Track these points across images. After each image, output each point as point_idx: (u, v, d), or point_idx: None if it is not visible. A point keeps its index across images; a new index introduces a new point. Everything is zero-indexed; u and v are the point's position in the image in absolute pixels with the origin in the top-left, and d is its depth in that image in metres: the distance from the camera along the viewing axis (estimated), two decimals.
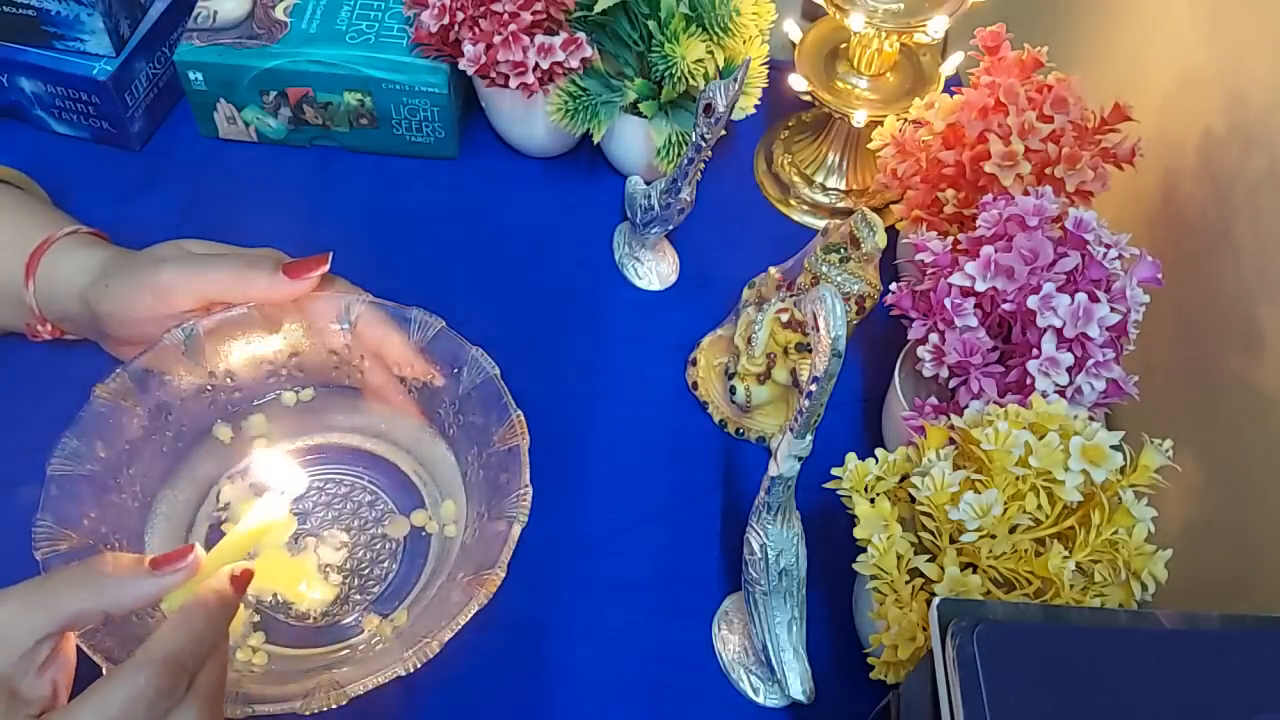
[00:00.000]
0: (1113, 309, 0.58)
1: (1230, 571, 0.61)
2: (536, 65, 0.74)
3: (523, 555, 0.56)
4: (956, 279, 0.61)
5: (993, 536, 0.54)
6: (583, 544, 0.69)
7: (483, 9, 0.74)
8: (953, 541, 0.55)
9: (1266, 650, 0.43)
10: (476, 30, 0.74)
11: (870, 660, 0.58)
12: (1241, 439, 0.62)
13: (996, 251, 0.60)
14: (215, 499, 0.65)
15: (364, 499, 0.66)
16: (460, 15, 0.74)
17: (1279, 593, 0.57)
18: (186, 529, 0.64)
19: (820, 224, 0.83)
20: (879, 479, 0.58)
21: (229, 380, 0.65)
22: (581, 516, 0.70)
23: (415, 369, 0.65)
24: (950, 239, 0.64)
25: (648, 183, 0.76)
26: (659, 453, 0.73)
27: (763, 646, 0.60)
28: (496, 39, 0.73)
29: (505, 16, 0.73)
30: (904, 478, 0.58)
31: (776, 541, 0.58)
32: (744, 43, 0.77)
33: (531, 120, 0.81)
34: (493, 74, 0.75)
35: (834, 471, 0.59)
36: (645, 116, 0.78)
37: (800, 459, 0.55)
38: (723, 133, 0.69)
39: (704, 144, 0.68)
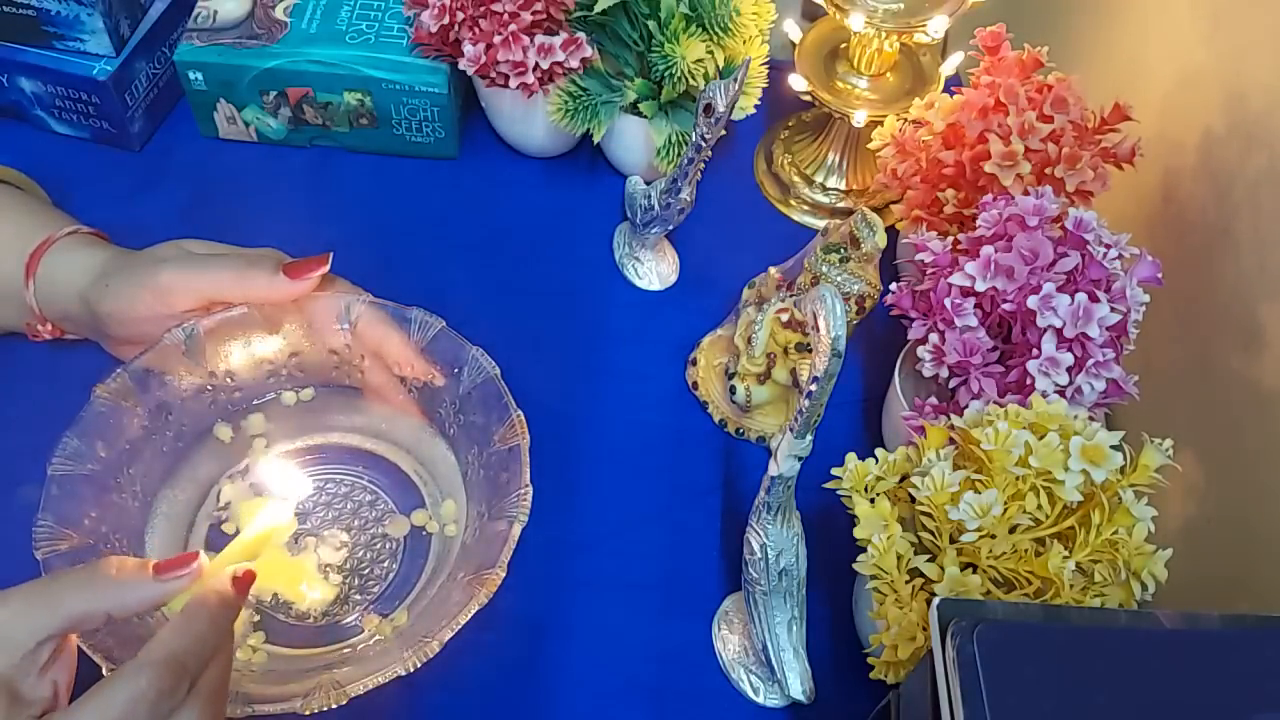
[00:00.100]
0: (1113, 309, 0.58)
1: (1231, 571, 0.61)
2: (536, 65, 0.74)
3: (523, 555, 0.56)
4: (956, 279, 0.61)
5: (993, 536, 0.54)
6: (583, 544, 0.69)
7: (483, 9, 0.74)
8: (953, 541, 0.55)
9: (1266, 650, 0.43)
10: (476, 30, 0.74)
11: (870, 660, 0.58)
12: (1242, 438, 0.62)
13: (996, 251, 0.60)
14: (215, 499, 0.65)
15: (364, 499, 0.66)
16: (460, 15, 0.74)
17: (1279, 592, 0.57)
18: (187, 529, 0.64)
19: (820, 224, 0.83)
20: (879, 479, 0.58)
21: (229, 380, 0.65)
22: (581, 516, 0.70)
23: (415, 369, 0.65)
24: (950, 239, 0.64)
25: (648, 183, 0.76)
26: (659, 453, 0.73)
27: (763, 646, 0.60)
28: (496, 39, 0.74)
29: (505, 16, 0.73)
30: (904, 478, 0.58)
31: (776, 541, 0.58)
32: (744, 43, 0.77)
33: (531, 120, 0.81)
34: (493, 74, 0.75)
35: (834, 471, 0.59)
36: (645, 116, 0.78)
37: (800, 459, 0.55)
38: (723, 133, 0.69)
39: (704, 144, 0.68)
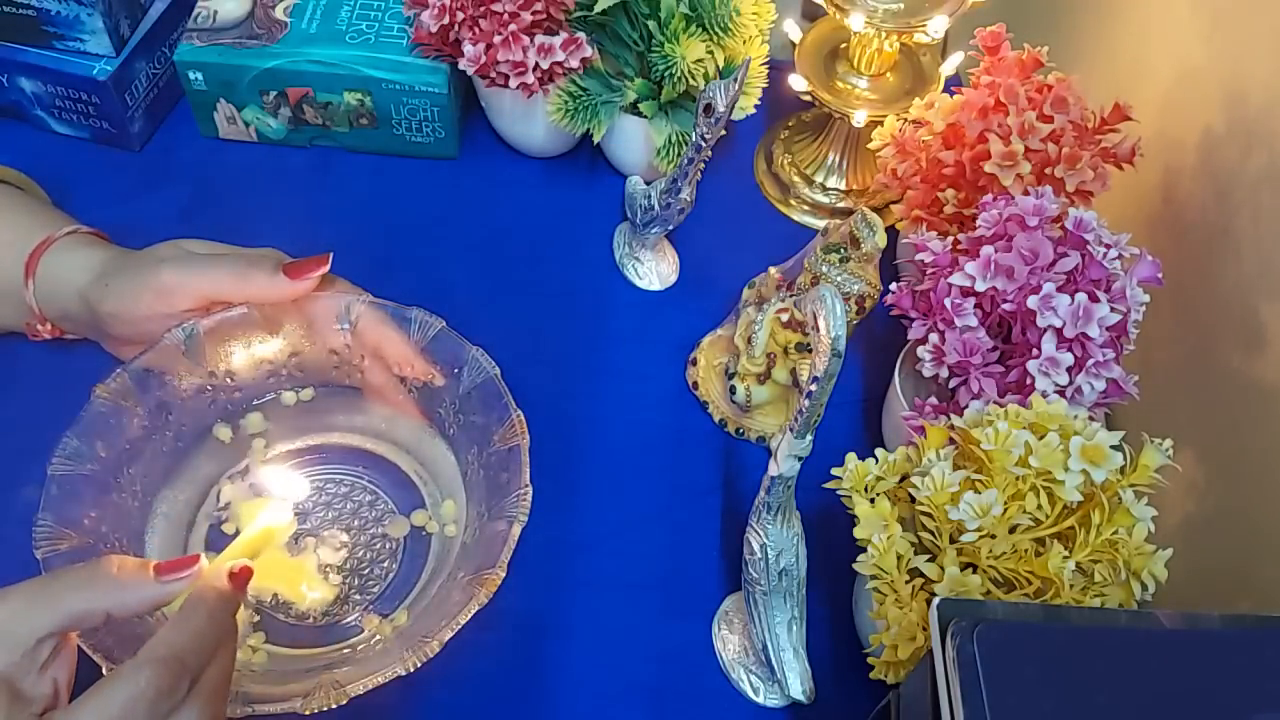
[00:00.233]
0: (1113, 309, 0.58)
1: (1231, 570, 0.61)
2: (536, 65, 0.74)
3: (523, 555, 0.56)
4: (956, 279, 0.61)
5: (993, 536, 0.54)
6: (583, 544, 0.69)
7: (483, 9, 0.74)
8: (953, 541, 0.55)
9: (1266, 650, 0.43)
10: (476, 30, 0.74)
11: (870, 660, 0.58)
12: (1242, 438, 0.62)
13: (996, 251, 0.60)
14: (215, 499, 0.65)
15: (364, 499, 0.66)
16: (460, 15, 0.74)
17: (1279, 592, 0.57)
18: (187, 529, 0.64)
19: (820, 224, 0.83)
20: (879, 479, 0.58)
21: (229, 380, 0.65)
22: (581, 516, 0.70)
23: (415, 369, 0.65)
24: (950, 239, 0.64)
25: (648, 183, 0.76)
26: (659, 453, 0.73)
27: (763, 646, 0.60)
28: (496, 39, 0.73)
29: (505, 16, 0.73)
30: (904, 478, 0.58)
31: (776, 541, 0.58)
32: (744, 43, 0.77)
33: (531, 120, 0.81)
34: (493, 74, 0.75)
35: (834, 471, 0.59)
36: (645, 116, 0.78)
37: (800, 459, 0.55)
38: (723, 133, 0.69)
39: (704, 144, 0.68)
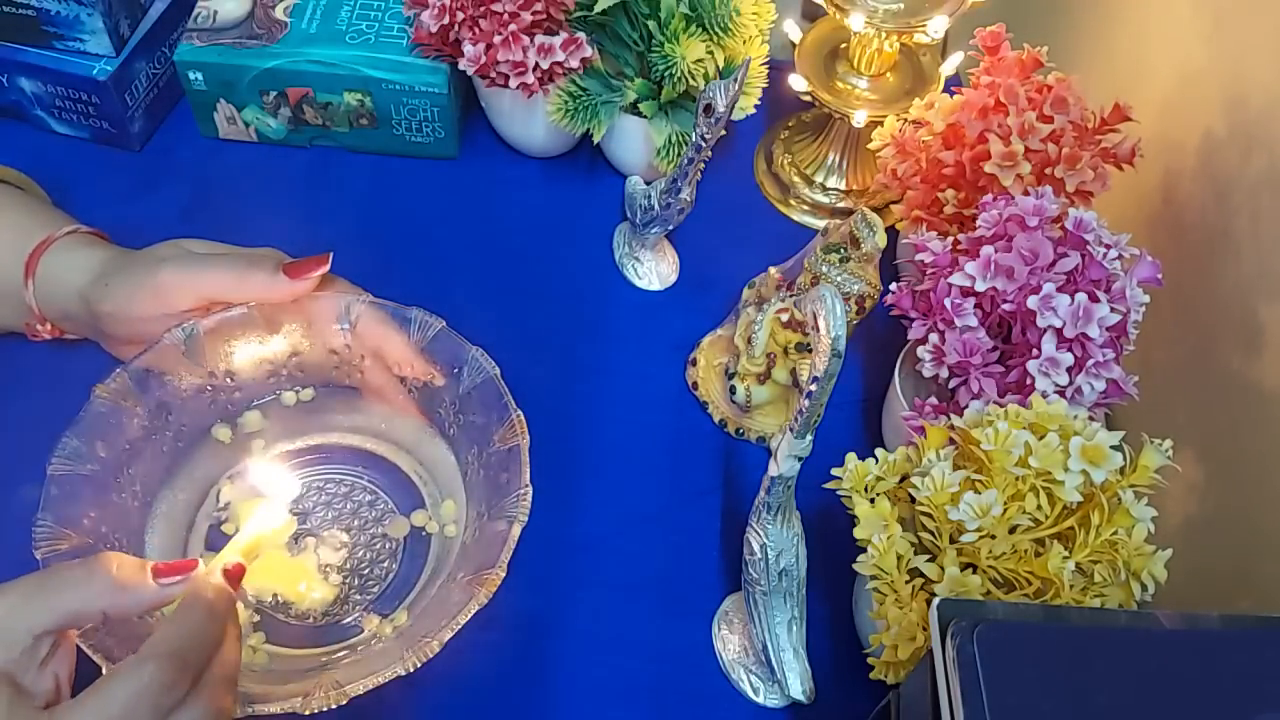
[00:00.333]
0: (1113, 309, 0.58)
1: (1231, 571, 0.61)
2: (536, 65, 0.74)
3: (523, 555, 0.56)
4: (956, 279, 0.61)
5: (993, 536, 0.54)
6: (583, 544, 0.69)
7: (483, 9, 0.74)
8: (953, 541, 0.55)
9: (1266, 650, 0.43)
10: (476, 30, 0.74)
11: (870, 660, 0.58)
12: (1241, 438, 0.62)
13: (996, 251, 0.60)
14: (215, 499, 0.65)
15: (364, 499, 0.66)
16: (460, 15, 0.74)
17: (1279, 592, 0.57)
18: (186, 529, 0.64)
19: (820, 224, 0.83)
20: (879, 479, 0.58)
21: (229, 380, 0.65)
22: (581, 516, 0.70)
23: (415, 369, 0.65)
24: (950, 239, 0.64)
25: (648, 183, 0.76)
26: (659, 453, 0.73)
27: (763, 646, 0.60)
28: (496, 39, 0.73)
29: (505, 16, 0.73)
30: (904, 478, 0.58)
31: (776, 541, 0.58)
32: (744, 43, 0.77)
33: (531, 120, 0.81)
34: (493, 74, 0.75)
35: (834, 471, 0.59)
36: (645, 116, 0.78)
37: (800, 459, 0.55)
38: (723, 133, 0.69)
39: (704, 144, 0.68)
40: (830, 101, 0.80)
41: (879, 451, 0.59)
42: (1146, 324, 0.60)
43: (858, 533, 0.56)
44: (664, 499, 0.71)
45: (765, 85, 0.79)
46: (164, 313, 0.62)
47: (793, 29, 0.82)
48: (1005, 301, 0.60)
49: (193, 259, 0.64)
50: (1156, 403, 0.65)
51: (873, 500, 0.57)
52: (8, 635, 0.44)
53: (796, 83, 0.80)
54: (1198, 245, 0.66)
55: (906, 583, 0.56)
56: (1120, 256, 0.59)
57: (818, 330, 0.50)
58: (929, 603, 0.45)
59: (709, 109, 0.66)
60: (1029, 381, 0.59)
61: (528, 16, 0.73)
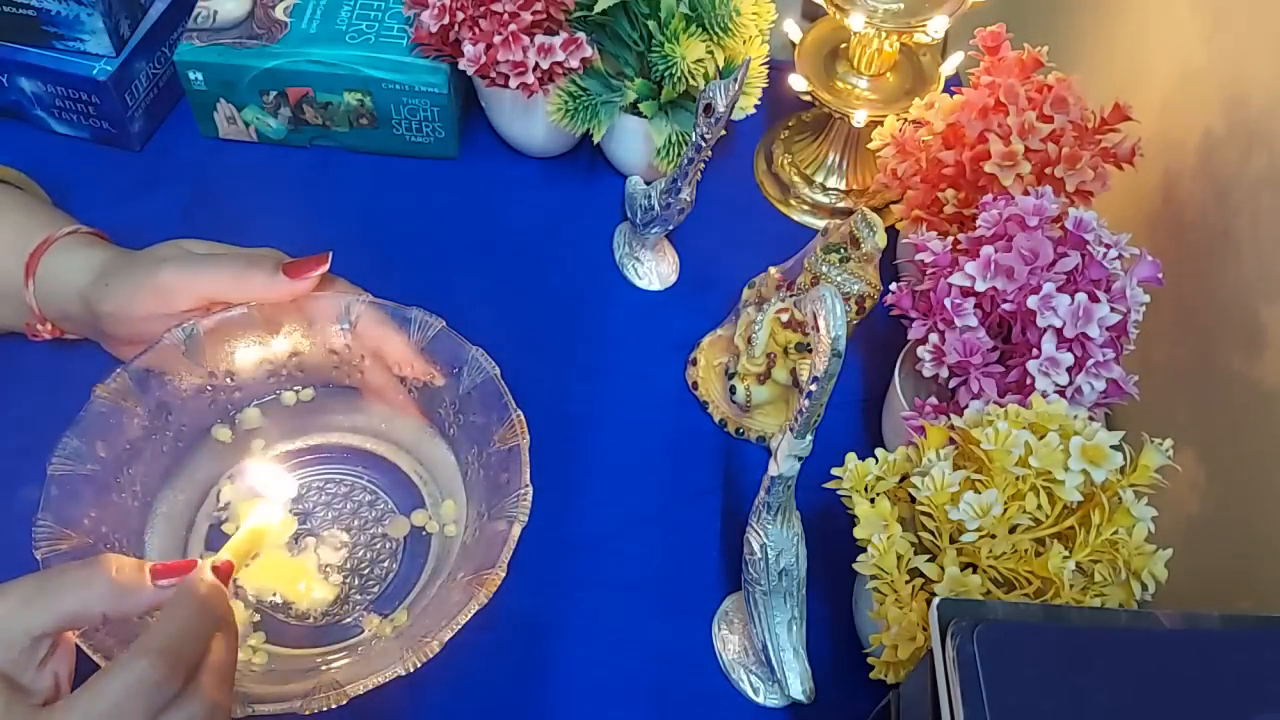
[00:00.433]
0: (1113, 309, 0.58)
1: (1231, 570, 0.61)
2: (536, 65, 0.74)
3: (523, 555, 0.56)
4: (956, 279, 0.61)
5: (993, 536, 0.54)
6: (583, 544, 0.69)
7: (483, 9, 0.74)
8: (953, 541, 0.55)
9: (1266, 650, 0.43)
10: (476, 30, 0.74)
11: (870, 660, 0.58)
12: (1242, 438, 0.62)
13: (996, 251, 0.60)
14: (215, 499, 0.65)
15: (364, 499, 0.66)
16: (460, 15, 0.74)
17: (1279, 592, 0.57)
18: (186, 529, 0.64)
19: (820, 224, 0.83)
20: (879, 479, 0.58)
21: (229, 380, 0.65)
22: (581, 516, 0.70)
23: (415, 369, 0.65)
24: (950, 239, 0.64)
25: (648, 183, 0.76)
26: (659, 453, 0.73)
27: (763, 646, 0.60)
28: (496, 39, 0.73)
29: (505, 16, 0.73)
30: (904, 478, 0.58)
31: (776, 541, 0.58)
32: (744, 43, 0.77)
33: (531, 120, 0.81)
34: (493, 74, 0.75)
35: (834, 471, 0.59)
36: (645, 116, 0.78)
37: (800, 459, 0.55)
38: (723, 133, 0.69)
39: (704, 144, 0.68)
40: (830, 101, 0.80)
41: (879, 451, 0.59)
42: (1146, 324, 0.60)
43: (858, 533, 0.56)
44: (664, 499, 0.71)
45: (765, 85, 0.79)
46: (164, 313, 0.62)
47: (793, 29, 0.82)
48: (1005, 301, 0.60)
49: (193, 259, 0.64)
50: (1157, 402, 0.65)
51: (873, 500, 0.57)
52: (6, 636, 0.44)
53: (796, 83, 0.80)
54: (1198, 245, 0.66)
55: (906, 583, 0.56)
56: (1120, 256, 0.59)
57: (818, 330, 0.50)
58: (929, 603, 0.45)
59: (709, 109, 0.66)
60: (1029, 381, 0.59)
61: (528, 16, 0.73)
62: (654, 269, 0.81)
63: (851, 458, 0.59)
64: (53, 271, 0.65)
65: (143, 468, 0.61)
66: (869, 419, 0.75)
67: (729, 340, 0.73)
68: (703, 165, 0.71)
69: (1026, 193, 0.62)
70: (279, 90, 0.81)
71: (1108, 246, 0.59)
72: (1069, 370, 0.58)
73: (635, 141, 0.80)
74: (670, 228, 0.76)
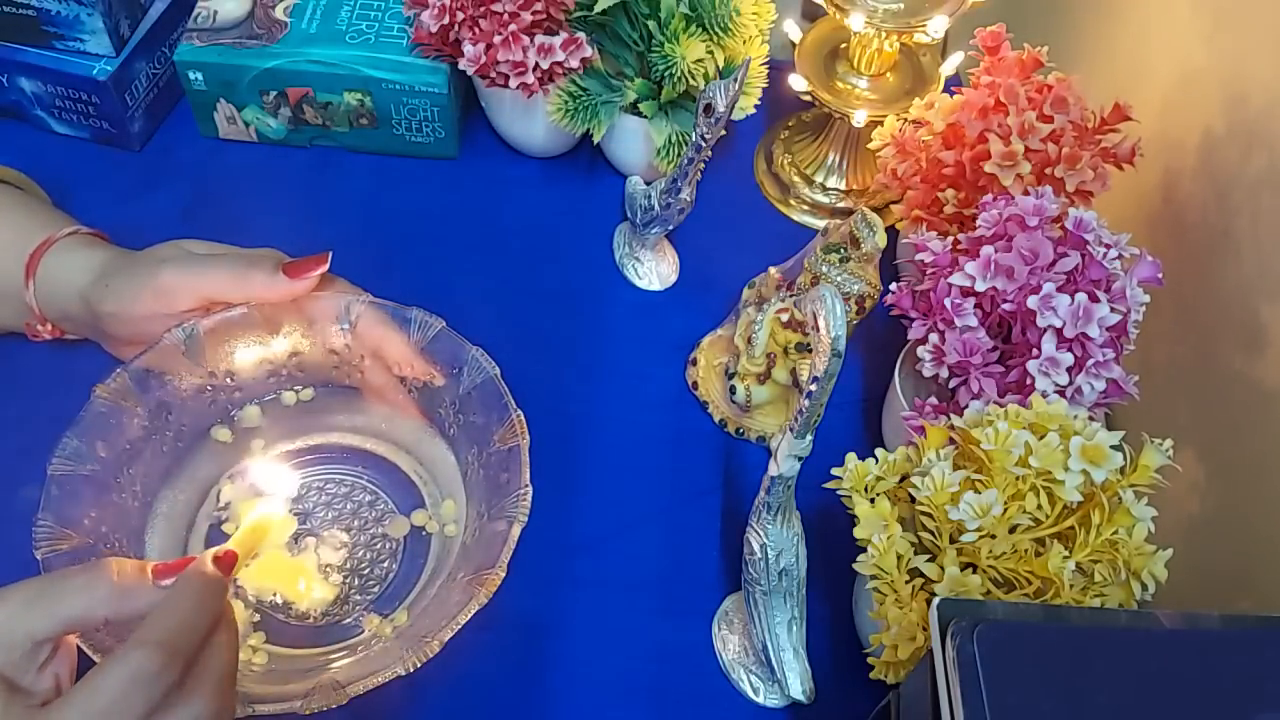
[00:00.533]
0: (1113, 309, 0.58)
1: (1231, 570, 0.61)
2: (536, 65, 0.74)
3: (523, 555, 0.56)
4: (956, 279, 0.61)
5: (993, 536, 0.54)
6: (583, 544, 0.69)
7: (483, 9, 0.74)
8: (953, 541, 0.55)
9: (1266, 650, 0.43)
10: (476, 30, 0.74)
11: (870, 660, 0.58)
12: (1242, 438, 0.62)
13: (996, 251, 0.60)
14: (215, 499, 0.65)
15: (364, 499, 0.66)
16: (460, 15, 0.74)
17: (1279, 592, 0.57)
18: (187, 529, 0.64)
19: (820, 224, 0.83)
20: (879, 479, 0.58)
21: (229, 380, 0.65)
22: (581, 516, 0.70)
23: (415, 369, 0.65)
24: (950, 239, 0.64)
25: (648, 183, 0.76)
26: (659, 453, 0.73)
27: (763, 646, 0.60)
28: (496, 39, 0.73)
29: (505, 16, 0.73)
30: (904, 478, 0.58)
31: (776, 541, 0.58)
32: (744, 43, 0.77)
33: (531, 120, 0.81)
34: (493, 74, 0.75)
35: (834, 471, 0.59)
36: (645, 116, 0.78)
37: (800, 459, 0.55)
38: (723, 133, 0.69)
39: (704, 144, 0.68)
40: (830, 101, 0.80)
41: (879, 451, 0.59)
42: (1146, 324, 0.60)
43: (858, 533, 0.56)
44: (664, 499, 0.71)
45: (765, 85, 0.79)
46: (164, 313, 0.62)
47: (793, 29, 0.82)
48: (1005, 301, 0.60)
49: (193, 259, 0.64)
50: (1157, 403, 0.65)
51: (873, 500, 0.57)
52: (8, 640, 0.44)
53: (796, 83, 0.80)
54: (1198, 245, 0.66)
55: (906, 583, 0.56)
56: (1120, 256, 0.59)
57: (818, 330, 0.50)
58: (929, 603, 0.45)
59: (709, 109, 0.66)
60: (1029, 381, 0.59)
61: (528, 16, 0.73)
62: (654, 269, 0.81)
63: (851, 458, 0.59)
64: (53, 272, 0.65)
65: (143, 468, 0.61)
66: (869, 419, 0.75)
67: (729, 340, 0.73)
68: (703, 165, 0.71)
69: (1026, 193, 0.62)
70: (279, 90, 0.81)
71: (1108, 246, 0.59)
72: (1069, 370, 0.58)
73: (635, 141, 0.80)
74: (670, 228, 0.76)
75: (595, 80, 0.78)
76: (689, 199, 0.73)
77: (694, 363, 0.76)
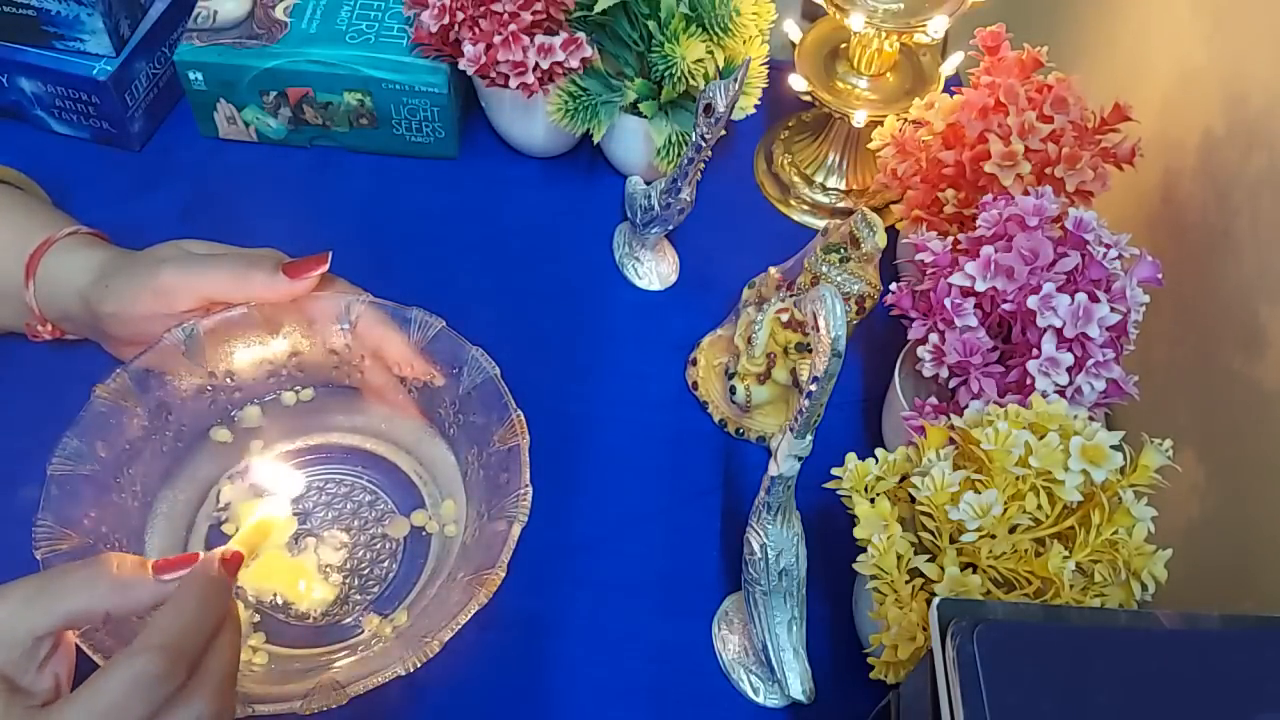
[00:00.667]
0: (1113, 309, 0.58)
1: (1231, 570, 0.61)
2: (536, 65, 0.74)
3: (523, 555, 0.56)
4: (956, 279, 0.61)
5: (993, 536, 0.54)
6: (583, 544, 0.69)
7: (483, 9, 0.74)
8: (953, 541, 0.55)
9: (1266, 650, 0.43)
10: (476, 30, 0.74)
11: (870, 660, 0.58)
12: (1242, 438, 0.62)
13: (996, 251, 0.60)
14: (215, 499, 0.65)
15: (364, 499, 0.66)
16: (460, 15, 0.74)
17: (1279, 592, 0.57)
18: (186, 529, 0.64)
19: (820, 224, 0.83)
20: (879, 479, 0.58)
21: (229, 380, 0.65)
22: (581, 516, 0.70)
23: (415, 369, 0.65)
24: (950, 239, 0.64)
25: (648, 183, 0.76)
26: (659, 453, 0.73)
27: (763, 646, 0.60)
28: (496, 39, 0.73)
29: (505, 16, 0.73)
30: (904, 478, 0.58)
31: (776, 541, 0.58)
32: (744, 43, 0.77)
33: (531, 120, 0.81)
34: (493, 74, 0.75)
35: (834, 471, 0.59)
36: (645, 116, 0.78)
37: (800, 459, 0.55)
38: (723, 133, 0.69)
39: (704, 144, 0.68)
40: (830, 101, 0.80)
41: (879, 451, 0.59)
42: (1146, 324, 0.60)
43: (858, 533, 0.56)
44: (664, 499, 0.71)
45: (765, 85, 0.79)
46: (164, 313, 0.62)
47: (793, 29, 0.82)
48: (1005, 301, 0.60)
49: (193, 259, 0.64)
50: (1157, 403, 0.65)
51: (873, 500, 0.57)
52: (8, 637, 0.44)
53: (796, 83, 0.80)
54: (1198, 245, 0.66)
55: (906, 583, 0.56)
56: (1120, 256, 0.59)
57: (818, 330, 0.50)
58: (929, 603, 0.45)
59: (709, 109, 0.66)
60: (1029, 381, 0.59)
61: (528, 16, 0.73)
62: (654, 269, 0.81)
63: (851, 458, 0.59)
64: (53, 272, 0.65)
65: (143, 468, 0.61)
66: (869, 419, 0.75)
67: (729, 340, 0.73)
68: (703, 165, 0.71)
69: (1026, 193, 0.62)
70: (279, 90, 0.81)
71: (1108, 246, 0.59)
72: (1069, 370, 0.58)
73: (635, 141, 0.80)
74: (670, 228, 0.76)
75: (595, 80, 0.78)
76: (689, 199, 0.73)
77: (694, 363, 0.76)
